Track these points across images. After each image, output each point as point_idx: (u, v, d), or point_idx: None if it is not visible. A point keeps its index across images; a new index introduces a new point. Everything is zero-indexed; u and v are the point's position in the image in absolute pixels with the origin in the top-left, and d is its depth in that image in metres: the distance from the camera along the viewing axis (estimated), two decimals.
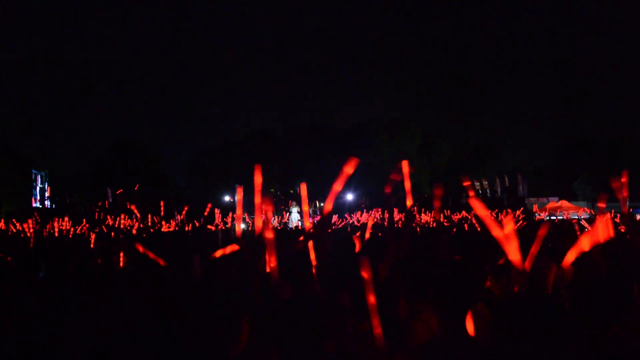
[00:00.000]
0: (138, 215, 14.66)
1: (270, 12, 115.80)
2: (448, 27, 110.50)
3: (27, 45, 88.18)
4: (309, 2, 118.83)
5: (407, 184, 3.03)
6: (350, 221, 20.33)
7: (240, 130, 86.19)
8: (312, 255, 2.61)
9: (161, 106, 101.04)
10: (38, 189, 32.58)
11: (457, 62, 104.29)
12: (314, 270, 2.56)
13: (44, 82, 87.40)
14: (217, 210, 15.62)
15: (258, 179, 3.04)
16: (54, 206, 31.88)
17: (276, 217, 26.40)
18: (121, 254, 4.88)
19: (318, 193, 37.97)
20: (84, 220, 17.61)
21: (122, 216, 15.29)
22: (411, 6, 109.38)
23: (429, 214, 18.20)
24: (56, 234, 9.42)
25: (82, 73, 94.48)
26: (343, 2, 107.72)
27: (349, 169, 2.74)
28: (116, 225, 14.14)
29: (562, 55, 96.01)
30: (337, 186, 2.68)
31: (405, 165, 3.02)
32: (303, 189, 3.19)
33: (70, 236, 12.59)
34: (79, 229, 13.38)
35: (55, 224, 12.02)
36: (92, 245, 7.48)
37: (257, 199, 3.07)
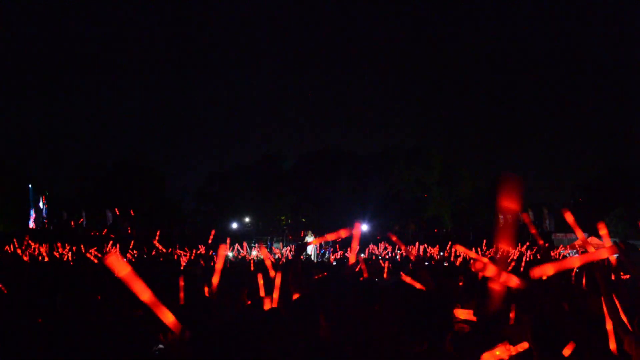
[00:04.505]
0: (160, 248, 14.47)
1: (286, 35, 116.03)
2: (473, 54, 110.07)
3: (29, 61, 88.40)
4: (326, 25, 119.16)
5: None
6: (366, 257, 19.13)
7: (251, 155, 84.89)
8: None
9: (169, 130, 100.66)
10: (35, 209, 31.61)
11: (481, 90, 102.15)
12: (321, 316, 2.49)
13: (46, 101, 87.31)
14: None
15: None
16: (51, 228, 30.83)
17: (288, 247, 25.59)
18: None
19: (332, 222, 36.72)
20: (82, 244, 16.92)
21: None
22: (435, 33, 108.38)
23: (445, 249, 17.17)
24: (46, 259, 8.73)
25: (87, 92, 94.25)
26: (363, 26, 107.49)
27: (344, 234, 2.83)
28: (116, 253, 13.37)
29: (596, 83, 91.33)
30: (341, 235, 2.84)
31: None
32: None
33: (71, 262, 11.98)
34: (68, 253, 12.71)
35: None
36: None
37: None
